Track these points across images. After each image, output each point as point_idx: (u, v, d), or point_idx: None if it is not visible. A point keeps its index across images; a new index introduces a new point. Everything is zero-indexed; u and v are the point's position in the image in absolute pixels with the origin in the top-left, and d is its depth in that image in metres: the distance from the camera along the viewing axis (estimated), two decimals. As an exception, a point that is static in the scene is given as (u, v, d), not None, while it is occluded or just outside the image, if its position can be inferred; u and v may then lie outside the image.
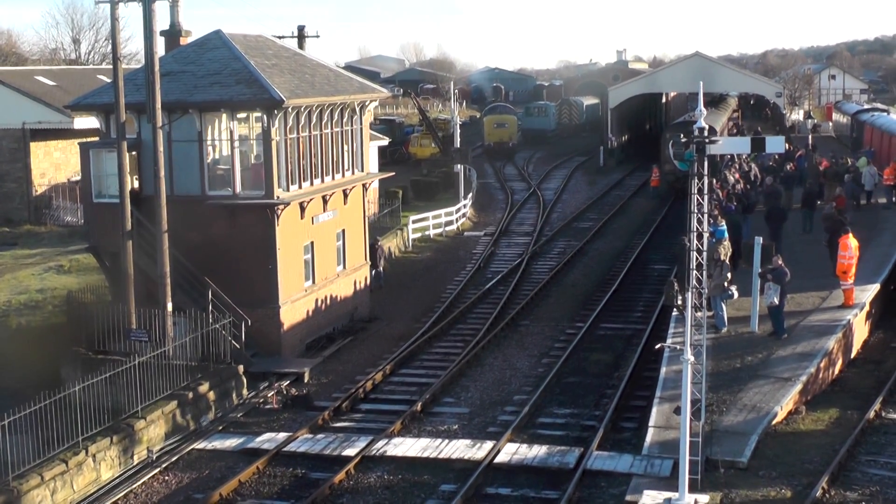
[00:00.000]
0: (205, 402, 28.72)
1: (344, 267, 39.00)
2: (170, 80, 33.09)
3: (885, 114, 76.21)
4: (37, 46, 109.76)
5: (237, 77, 33.59)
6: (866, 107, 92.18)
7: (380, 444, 26.08)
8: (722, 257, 31.31)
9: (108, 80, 36.30)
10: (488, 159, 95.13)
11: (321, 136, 36.42)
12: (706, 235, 21.79)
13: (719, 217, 36.54)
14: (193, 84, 33.62)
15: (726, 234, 35.17)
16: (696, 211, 21.25)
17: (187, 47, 36.15)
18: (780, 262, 30.45)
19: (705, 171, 21.22)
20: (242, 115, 34.37)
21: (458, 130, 69.71)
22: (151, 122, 30.47)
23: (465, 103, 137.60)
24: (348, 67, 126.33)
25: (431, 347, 35.78)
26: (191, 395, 28.17)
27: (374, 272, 43.49)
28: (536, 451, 25.22)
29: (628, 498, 21.92)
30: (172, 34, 36.87)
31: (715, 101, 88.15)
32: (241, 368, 30.77)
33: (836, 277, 33.77)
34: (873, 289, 34.35)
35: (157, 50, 30.52)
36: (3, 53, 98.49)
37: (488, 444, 25.68)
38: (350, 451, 25.61)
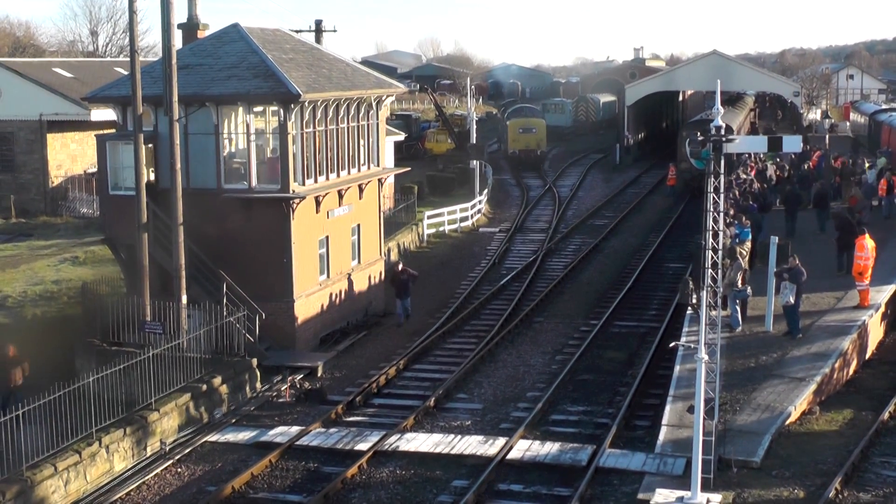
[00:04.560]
0: (218, 395, 28.79)
1: (359, 261, 39.01)
2: (187, 73, 33.14)
3: (904, 114, 75.86)
4: (55, 38, 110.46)
5: (254, 71, 33.62)
6: (884, 107, 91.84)
7: (392, 438, 26.10)
8: (738, 256, 31.27)
9: (126, 73, 36.43)
10: (511, 170, 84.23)
11: (337, 130, 36.43)
12: (722, 234, 21.73)
13: (743, 218, 36.56)
14: (210, 77, 33.66)
15: (750, 236, 35.22)
16: (712, 209, 21.20)
17: (205, 40, 36.19)
18: (796, 261, 30.37)
19: (722, 170, 21.17)
20: (259, 108, 34.41)
21: (475, 126, 69.67)
22: (168, 115, 30.51)
23: (481, 99, 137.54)
24: (365, 62, 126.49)
25: (445, 343, 35.77)
26: (204, 387, 28.24)
27: (402, 304, 38.72)
28: (549, 448, 25.19)
29: (640, 496, 21.88)
30: (190, 27, 36.88)
31: (732, 100, 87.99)
32: (254, 362, 30.84)
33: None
34: (889, 290, 34.22)
35: (175, 43, 30.54)
36: (22, 45, 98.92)
37: (501, 441, 25.67)
38: (362, 446, 25.63)
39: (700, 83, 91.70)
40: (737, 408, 25.42)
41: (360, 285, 38.94)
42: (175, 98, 30.36)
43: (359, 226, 38.85)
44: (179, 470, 25.05)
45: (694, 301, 22.01)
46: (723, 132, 20.93)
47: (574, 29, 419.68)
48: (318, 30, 56.03)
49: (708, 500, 21.07)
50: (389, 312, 39.84)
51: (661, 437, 24.36)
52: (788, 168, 55.43)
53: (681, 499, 21.18)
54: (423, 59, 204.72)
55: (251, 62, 34.07)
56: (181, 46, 35.13)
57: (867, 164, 55.18)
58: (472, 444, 25.63)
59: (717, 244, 21.45)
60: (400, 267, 39.38)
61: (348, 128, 37.28)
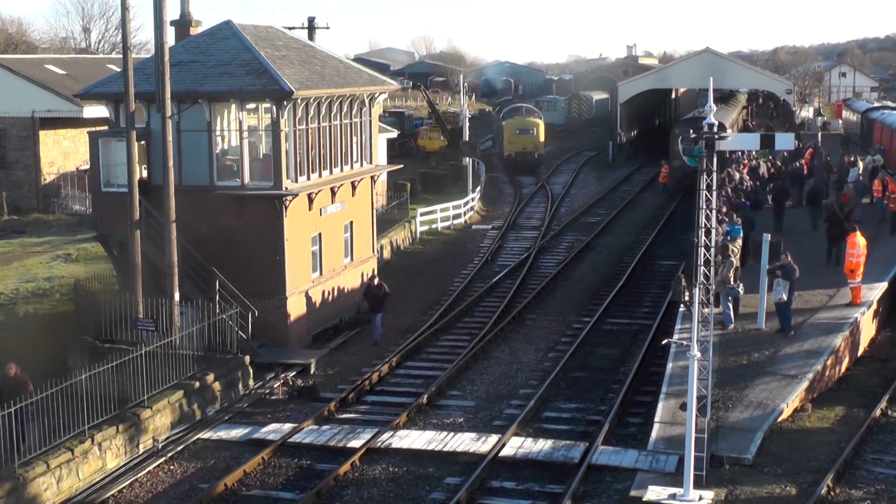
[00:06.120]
0: (211, 393, 28.77)
1: (351, 259, 39.00)
2: (179, 69, 33.09)
3: (895, 112, 75.90)
4: (47, 35, 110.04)
5: (247, 68, 33.59)
6: (876, 105, 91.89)
7: (385, 436, 26.11)
8: (729, 254, 31.30)
9: (118, 70, 36.36)
10: (504, 168, 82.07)
11: (330, 127, 36.42)
12: (714, 232, 21.75)
13: (735, 215, 36.68)
14: (203, 74, 33.63)
15: (741, 233, 35.33)
16: (704, 207, 21.22)
17: (197, 37, 36.15)
18: (789, 258, 30.44)
19: (714, 168, 21.19)
20: (252, 105, 34.38)
21: (468, 124, 69.63)
22: (161, 112, 30.48)
23: (474, 96, 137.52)
24: (358, 59, 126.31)
25: (438, 340, 35.78)
26: (197, 384, 28.22)
27: (374, 320, 36.22)
28: (542, 446, 25.21)
29: (633, 493, 21.92)
30: (182, 24, 36.85)
31: (725, 98, 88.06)
32: (247, 359, 30.82)
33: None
34: (881, 287, 34.29)
35: (167, 40, 30.52)
36: (14, 42, 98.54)
37: (493, 438, 25.69)
38: (355, 443, 25.64)
39: (693, 81, 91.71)
40: (729, 405, 25.46)
41: (353, 283, 38.91)
42: (167, 95, 30.33)
43: (351, 223, 38.84)
44: (172, 467, 25.03)
45: (686, 298, 22.05)
46: (715, 129, 20.95)
47: (567, 26, 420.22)
48: (311, 27, 56.12)
49: (700, 497, 21.11)
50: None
51: (654, 434, 24.39)
52: (780, 165, 55.56)
53: (673, 496, 21.21)
54: (416, 57, 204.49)
55: (244, 59, 34.04)
56: (174, 43, 35.11)
57: (860, 163, 55.28)
58: (465, 442, 25.65)
59: (710, 241, 21.47)
60: (376, 281, 36.98)
61: (341, 125, 37.26)
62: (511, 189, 73.07)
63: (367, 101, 39.20)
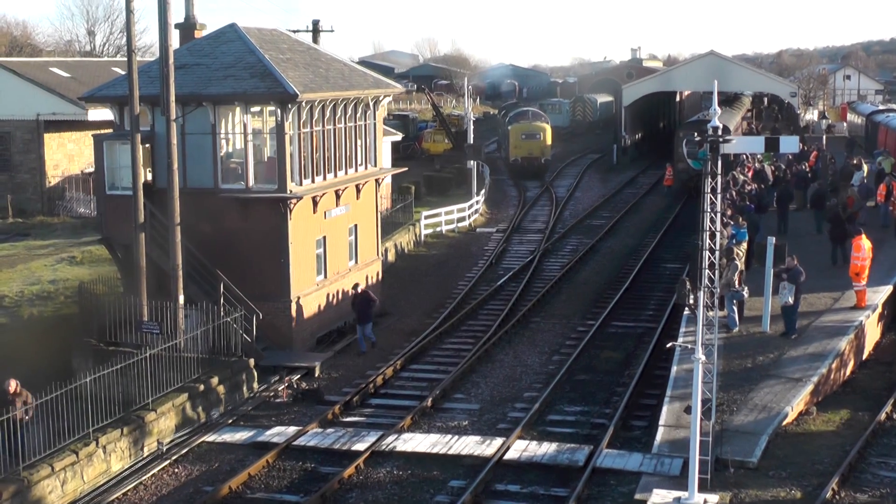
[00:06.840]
0: (215, 395, 28.77)
1: (356, 262, 39.00)
2: (184, 72, 33.11)
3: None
4: (52, 38, 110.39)
5: (251, 70, 33.61)
6: (881, 107, 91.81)
7: (389, 439, 26.09)
8: (734, 257, 31.29)
9: (123, 72, 36.45)
10: (510, 175, 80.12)
11: (335, 130, 36.43)
12: (718, 235, 21.71)
13: (741, 219, 36.67)
14: (208, 77, 33.65)
15: (747, 236, 35.33)
16: (709, 210, 21.20)
17: (202, 40, 36.17)
18: (794, 261, 30.40)
19: (719, 170, 21.18)
20: (256, 108, 34.41)
21: (472, 126, 69.62)
22: (165, 115, 30.49)
23: (479, 99, 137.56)
24: (362, 62, 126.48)
25: (442, 343, 35.77)
26: (201, 387, 28.22)
27: (362, 329, 35.37)
28: (546, 449, 25.19)
29: (637, 496, 21.89)
30: (187, 27, 36.86)
31: (729, 100, 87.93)
32: (251, 362, 30.82)
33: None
34: (886, 290, 34.24)
35: (172, 42, 30.52)
36: (19, 44, 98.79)
37: (498, 441, 25.66)
38: (360, 446, 25.63)
39: (697, 83, 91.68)
40: (734, 408, 25.43)
41: (358, 285, 38.89)
42: (172, 98, 30.34)
43: (356, 226, 38.84)
44: (176, 470, 25.03)
45: (691, 301, 22.01)
46: (720, 132, 20.93)
47: (571, 29, 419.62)
48: (316, 30, 56.12)
49: (705, 501, 21.08)
50: (387, 313, 39.81)
51: (658, 437, 24.37)
52: (784, 168, 55.49)
53: (678, 499, 21.18)
54: (421, 60, 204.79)
55: (248, 62, 34.06)
56: (178, 46, 35.12)
57: (865, 166, 55.18)
58: (470, 445, 25.63)
59: (714, 244, 21.44)
60: (359, 289, 36.11)
61: (345, 128, 37.27)
62: (515, 192, 73.06)
63: (371, 104, 39.22)
